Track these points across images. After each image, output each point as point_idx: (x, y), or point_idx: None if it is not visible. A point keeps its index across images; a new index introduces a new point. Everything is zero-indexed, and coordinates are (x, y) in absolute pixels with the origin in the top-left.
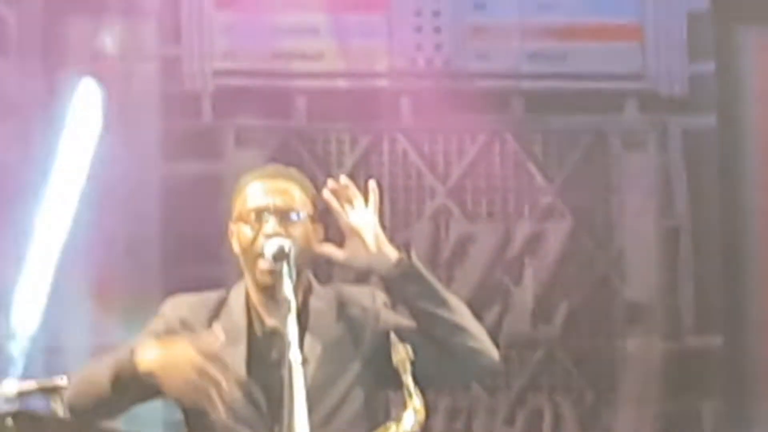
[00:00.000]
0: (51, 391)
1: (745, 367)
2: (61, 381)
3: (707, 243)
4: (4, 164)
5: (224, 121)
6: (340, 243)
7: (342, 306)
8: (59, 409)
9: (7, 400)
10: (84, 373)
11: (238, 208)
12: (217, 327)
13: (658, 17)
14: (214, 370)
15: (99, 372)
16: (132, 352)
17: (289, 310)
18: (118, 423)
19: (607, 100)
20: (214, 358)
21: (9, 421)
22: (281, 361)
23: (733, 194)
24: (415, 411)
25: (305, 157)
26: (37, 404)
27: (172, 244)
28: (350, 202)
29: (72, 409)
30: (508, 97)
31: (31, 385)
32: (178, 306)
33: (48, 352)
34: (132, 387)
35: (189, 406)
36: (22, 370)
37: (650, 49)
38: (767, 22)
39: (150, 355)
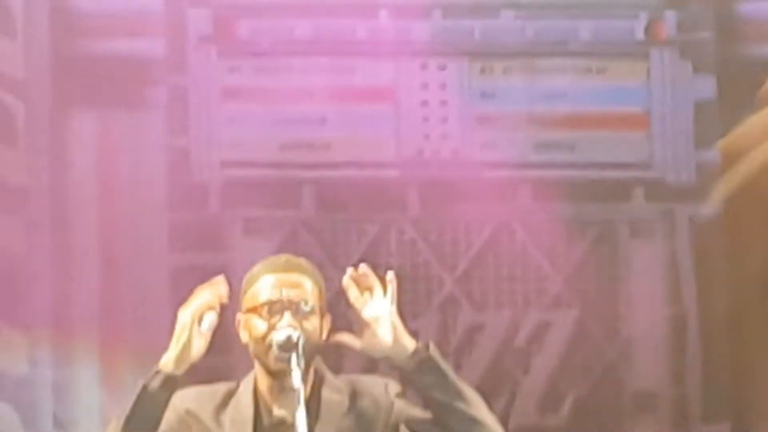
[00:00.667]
0: None
1: None
2: None
3: (715, 330)
4: (11, 255)
5: (232, 212)
6: (349, 333)
7: (355, 397)
8: None
9: None
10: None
11: (249, 300)
12: (224, 416)
13: (665, 106)
14: None
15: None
16: None
17: (298, 400)
18: None
19: (614, 188)
20: None
21: None
22: None
23: (740, 281)
24: None
25: (313, 247)
26: None
27: None
28: (369, 290)
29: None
30: (515, 186)
31: None
32: (186, 397)
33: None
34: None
35: None
36: None
37: (657, 138)
38: None
39: None
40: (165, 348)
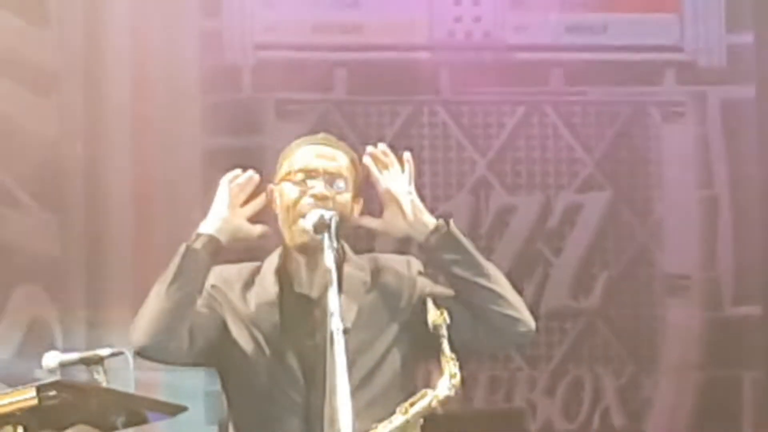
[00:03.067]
0: (93, 363)
1: None
2: (103, 352)
3: (747, 213)
4: (44, 138)
5: (265, 95)
6: (377, 217)
7: (377, 273)
8: (102, 379)
9: (50, 371)
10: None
11: (285, 168)
12: (250, 294)
13: None
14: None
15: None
16: None
17: (330, 280)
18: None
19: (645, 71)
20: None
21: (52, 392)
22: (315, 328)
23: None
24: (451, 376)
25: (345, 129)
26: (81, 376)
27: None
28: (388, 169)
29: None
30: (547, 69)
31: (73, 356)
32: (212, 274)
33: (89, 325)
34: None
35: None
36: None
37: (689, 21)
38: None
39: None
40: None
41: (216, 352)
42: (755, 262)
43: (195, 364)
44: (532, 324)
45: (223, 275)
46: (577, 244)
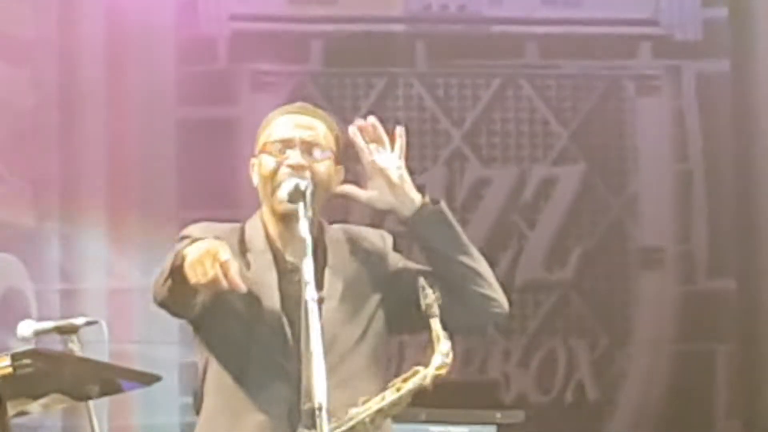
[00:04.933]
0: (68, 332)
1: (758, 310)
2: (78, 321)
3: (721, 186)
4: (18, 108)
5: (239, 65)
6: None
7: (352, 242)
8: (76, 348)
9: (24, 340)
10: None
11: (263, 140)
12: (248, 255)
13: None
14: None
15: (166, 266)
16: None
17: (305, 250)
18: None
19: (620, 45)
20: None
21: (26, 360)
22: (301, 296)
23: (746, 138)
24: (443, 353)
25: (321, 101)
26: (55, 345)
27: (187, 187)
28: (376, 142)
29: (158, 302)
30: (522, 42)
31: (47, 325)
32: (210, 228)
33: (64, 294)
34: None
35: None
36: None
37: None
38: None
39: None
40: (170, 202)
41: (213, 308)
42: (729, 235)
43: (197, 320)
44: (506, 305)
45: (219, 231)
46: (552, 217)
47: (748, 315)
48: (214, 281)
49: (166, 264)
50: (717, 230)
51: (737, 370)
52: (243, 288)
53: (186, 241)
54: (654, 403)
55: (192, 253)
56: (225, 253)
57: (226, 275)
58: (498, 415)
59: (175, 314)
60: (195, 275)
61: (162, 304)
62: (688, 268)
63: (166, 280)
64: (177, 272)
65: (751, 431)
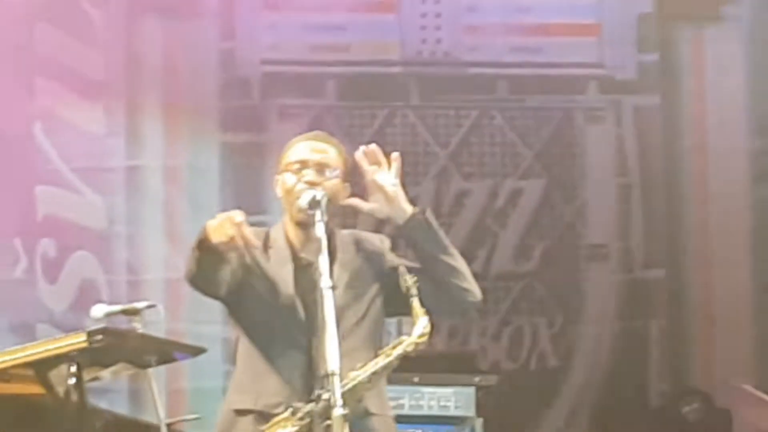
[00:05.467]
0: (132, 313)
1: (683, 293)
2: (140, 305)
3: (653, 196)
4: (93, 135)
5: (269, 101)
6: (363, 199)
7: (358, 243)
8: (138, 327)
9: (97, 320)
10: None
11: (284, 161)
12: (270, 252)
13: (613, 17)
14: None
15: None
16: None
17: (320, 247)
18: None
19: (573, 83)
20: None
21: (98, 336)
22: (315, 285)
23: (673, 157)
24: (423, 327)
25: (334, 129)
26: (122, 324)
27: (228, 196)
28: (376, 164)
29: (189, 278)
30: (494, 81)
31: (115, 308)
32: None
33: (129, 284)
34: (208, 250)
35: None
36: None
37: (607, 43)
38: (700, 21)
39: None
40: (213, 209)
41: (241, 292)
42: (660, 234)
43: (225, 300)
44: (479, 295)
45: (252, 233)
46: (519, 221)
47: (675, 297)
48: (233, 239)
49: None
50: (650, 230)
51: (666, 342)
52: (256, 243)
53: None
54: (600, 369)
55: (213, 222)
56: (239, 216)
57: (242, 234)
58: (476, 378)
59: (204, 291)
60: (217, 236)
61: (192, 281)
62: (627, 260)
63: (193, 251)
64: (203, 243)
65: (677, 391)
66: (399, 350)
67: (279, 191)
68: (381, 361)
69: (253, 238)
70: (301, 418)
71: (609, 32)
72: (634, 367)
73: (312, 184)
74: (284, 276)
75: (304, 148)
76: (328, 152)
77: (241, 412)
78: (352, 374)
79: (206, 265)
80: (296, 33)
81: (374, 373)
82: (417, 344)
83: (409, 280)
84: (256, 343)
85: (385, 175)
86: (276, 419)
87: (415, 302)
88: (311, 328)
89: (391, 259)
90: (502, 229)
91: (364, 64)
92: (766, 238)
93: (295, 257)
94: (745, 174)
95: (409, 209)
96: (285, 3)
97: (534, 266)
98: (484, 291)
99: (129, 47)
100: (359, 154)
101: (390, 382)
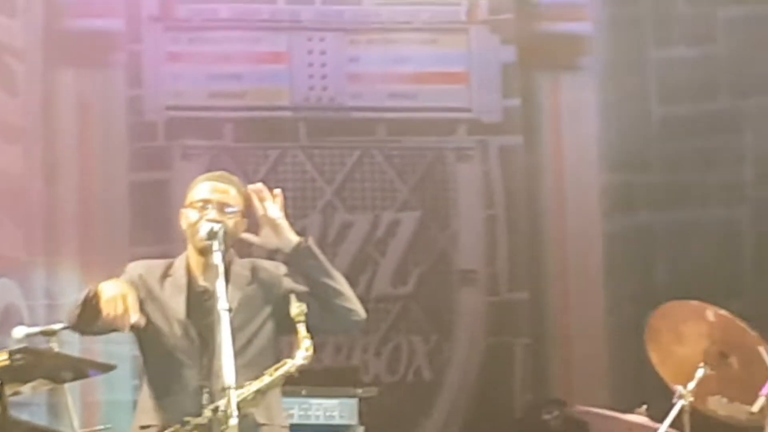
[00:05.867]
0: (49, 334)
1: (544, 314)
2: (56, 327)
3: (517, 226)
4: (11, 174)
5: (173, 143)
6: (256, 232)
7: (255, 271)
8: (55, 346)
9: (18, 340)
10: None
11: (189, 198)
12: (166, 283)
13: (480, 67)
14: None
15: (79, 298)
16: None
17: (218, 273)
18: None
19: (444, 126)
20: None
21: (19, 355)
22: (211, 310)
23: (534, 191)
24: (306, 349)
25: (231, 167)
26: (41, 344)
27: (137, 230)
28: (264, 200)
29: (68, 324)
30: (375, 124)
31: (35, 330)
32: (138, 266)
33: (47, 308)
34: (92, 308)
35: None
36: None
37: (474, 90)
38: (557, 70)
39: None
40: (124, 241)
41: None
42: (523, 261)
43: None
44: (363, 314)
45: (148, 266)
46: (396, 249)
47: (537, 317)
48: (118, 317)
49: (79, 297)
50: (514, 258)
51: (529, 357)
52: (141, 324)
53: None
54: (470, 382)
55: (108, 291)
56: (131, 297)
57: (127, 315)
58: (359, 391)
59: (81, 333)
60: (108, 308)
61: (74, 329)
62: (494, 284)
63: (76, 308)
64: (89, 303)
65: (539, 400)
66: (281, 371)
67: (183, 224)
68: (266, 380)
69: (135, 317)
70: (192, 430)
71: (476, 80)
72: (500, 380)
73: (213, 221)
74: (177, 304)
75: (207, 187)
76: (229, 192)
77: (145, 428)
78: (240, 391)
79: (86, 319)
80: (197, 81)
81: (259, 390)
82: (300, 366)
83: (296, 308)
84: (156, 366)
85: (272, 210)
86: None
87: (301, 327)
88: (205, 349)
89: (287, 283)
90: (381, 257)
91: (258, 109)
92: (616, 265)
93: (191, 285)
94: (597, 206)
95: (294, 239)
96: (187, 55)
97: (411, 289)
98: (366, 312)
99: (46, 95)
100: (250, 192)
101: (281, 394)
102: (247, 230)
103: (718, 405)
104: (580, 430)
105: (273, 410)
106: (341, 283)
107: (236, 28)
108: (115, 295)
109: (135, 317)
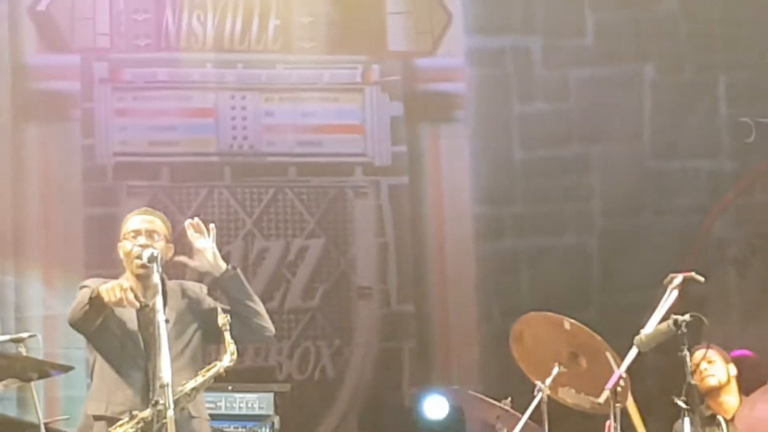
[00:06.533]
0: (18, 341)
1: (426, 322)
2: (24, 335)
3: (404, 250)
4: None
5: (120, 183)
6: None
7: (183, 289)
8: (23, 351)
9: None
10: (76, 300)
11: (123, 230)
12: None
13: (373, 119)
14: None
15: (80, 299)
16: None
17: (157, 291)
18: (60, 361)
19: (344, 168)
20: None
21: None
22: (152, 321)
23: (418, 222)
24: (231, 353)
25: (168, 203)
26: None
27: (91, 256)
28: (199, 232)
29: (72, 322)
30: (286, 167)
31: (5, 338)
32: (94, 282)
33: (17, 319)
34: (97, 306)
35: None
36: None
37: (369, 138)
38: (437, 121)
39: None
40: (80, 265)
41: (100, 328)
42: (409, 279)
43: (88, 334)
44: (273, 330)
45: (101, 283)
46: (305, 270)
47: (421, 325)
48: (121, 299)
49: (80, 298)
50: (402, 276)
51: (415, 358)
52: (137, 305)
53: (87, 288)
54: (367, 379)
55: (105, 286)
56: (126, 284)
57: (127, 297)
58: (275, 387)
59: (78, 330)
60: (109, 296)
61: (74, 324)
62: (385, 298)
63: (83, 306)
64: (94, 301)
65: (424, 393)
66: (212, 372)
67: (121, 254)
68: (199, 380)
69: (133, 299)
70: (138, 422)
71: (370, 130)
72: (391, 377)
73: (143, 246)
74: (130, 316)
75: (136, 220)
76: (155, 222)
77: (96, 417)
78: (178, 389)
79: (90, 317)
80: (139, 132)
81: (194, 389)
82: (227, 367)
83: (222, 319)
84: (108, 365)
85: (205, 241)
86: (119, 423)
87: (227, 335)
88: (149, 354)
89: (209, 302)
90: (293, 276)
91: (190, 155)
92: (486, 282)
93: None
94: (470, 233)
95: (223, 266)
96: (131, 110)
97: (317, 303)
98: (280, 321)
99: (15, 145)
100: (186, 225)
101: (211, 389)
102: (180, 255)
103: (567, 395)
104: (458, 417)
105: (200, 405)
106: (258, 305)
107: (172, 88)
108: (113, 285)
109: (132, 294)
